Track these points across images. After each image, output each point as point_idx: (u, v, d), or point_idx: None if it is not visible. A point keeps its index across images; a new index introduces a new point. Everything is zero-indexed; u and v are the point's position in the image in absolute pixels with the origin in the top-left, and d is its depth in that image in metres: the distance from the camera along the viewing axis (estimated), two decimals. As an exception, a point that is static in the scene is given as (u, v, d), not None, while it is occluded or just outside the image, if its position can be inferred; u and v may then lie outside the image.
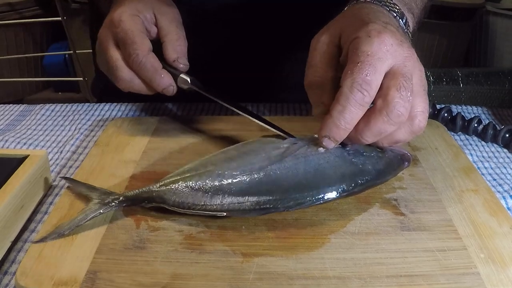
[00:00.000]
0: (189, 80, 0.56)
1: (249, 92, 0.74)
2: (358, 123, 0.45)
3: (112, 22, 0.54)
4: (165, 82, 0.54)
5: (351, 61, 0.44)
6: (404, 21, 0.51)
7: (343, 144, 0.49)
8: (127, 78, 0.54)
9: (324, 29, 0.49)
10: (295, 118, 0.69)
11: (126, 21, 0.53)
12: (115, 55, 0.54)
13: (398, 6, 0.51)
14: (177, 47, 0.56)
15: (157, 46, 0.56)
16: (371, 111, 0.44)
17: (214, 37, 0.75)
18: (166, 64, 0.56)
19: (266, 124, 0.54)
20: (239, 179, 0.46)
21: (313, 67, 0.47)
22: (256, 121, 0.54)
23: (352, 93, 0.43)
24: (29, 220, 0.50)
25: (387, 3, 0.51)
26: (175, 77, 0.55)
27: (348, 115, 0.43)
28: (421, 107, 0.45)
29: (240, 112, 0.55)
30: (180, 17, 0.59)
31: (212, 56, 0.74)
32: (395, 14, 0.51)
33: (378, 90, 0.44)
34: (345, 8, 0.52)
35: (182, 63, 0.56)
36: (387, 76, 0.43)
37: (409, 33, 0.52)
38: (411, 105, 0.44)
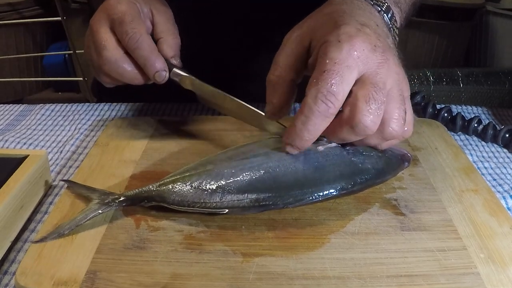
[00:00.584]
0: (186, 74, 0.55)
1: (248, 92, 0.73)
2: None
3: (108, 6, 0.53)
4: (160, 64, 0.53)
5: (318, 69, 0.41)
6: (389, 15, 0.49)
7: (342, 144, 0.49)
8: (113, 59, 0.52)
9: (298, 25, 0.47)
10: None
11: (124, 4, 0.53)
12: (106, 35, 0.52)
13: (384, 0, 0.49)
14: (173, 45, 0.56)
15: None
16: (337, 119, 0.42)
17: (211, 36, 0.75)
18: None
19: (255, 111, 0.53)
20: (238, 176, 0.46)
21: (275, 65, 0.46)
22: (252, 108, 0.54)
23: (316, 104, 0.41)
24: (29, 220, 0.50)
25: None
26: (169, 70, 0.55)
27: (312, 126, 0.42)
28: (396, 114, 0.43)
29: (241, 102, 0.54)
30: (173, 18, 0.59)
31: (210, 56, 0.74)
32: (379, 9, 0.48)
33: (347, 97, 0.42)
34: (325, 3, 0.49)
35: (177, 62, 0.56)
36: (357, 84, 0.41)
37: (395, 28, 0.50)
38: (385, 111, 0.42)
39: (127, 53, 0.53)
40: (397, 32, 0.50)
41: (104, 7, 0.54)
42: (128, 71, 0.53)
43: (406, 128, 0.45)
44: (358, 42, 0.41)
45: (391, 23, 0.49)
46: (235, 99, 0.54)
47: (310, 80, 0.42)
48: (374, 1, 0.48)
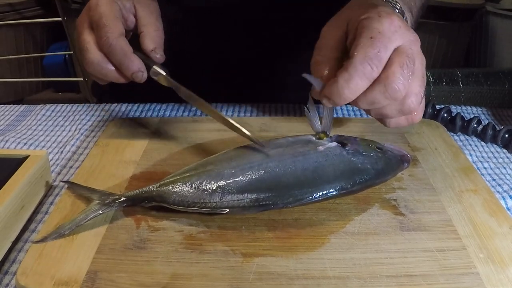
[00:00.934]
0: (163, 72, 0.55)
1: (248, 92, 0.74)
2: None
3: (89, 7, 0.54)
4: (134, 67, 0.53)
5: (363, 35, 0.45)
6: (404, 18, 0.52)
7: (342, 144, 0.50)
8: (95, 61, 0.53)
9: (332, 19, 0.50)
10: (294, 118, 0.69)
11: (103, 5, 0.54)
12: (88, 38, 0.53)
13: (400, 4, 0.52)
14: (155, 37, 0.56)
15: (135, 38, 0.55)
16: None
17: (212, 36, 0.75)
18: (142, 54, 0.55)
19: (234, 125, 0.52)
20: (238, 176, 0.46)
21: (319, 49, 0.49)
22: (230, 121, 0.52)
23: (362, 65, 0.43)
24: (30, 220, 0.50)
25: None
26: (148, 67, 0.54)
27: (354, 85, 0.44)
28: (416, 89, 0.46)
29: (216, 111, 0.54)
30: (159, 11, 0.59)
31: (210, 56, 0.74)
32: (397, 11, 0.51)
33: None
34: (347, 4, 0.52)
35: (159, 54, 0.55)
36: (393, 52, 0.45)
37: None
38: (409, 85, 0.45)
39: None
40: None
41: (86, 8, 0.55)
42: (110, 71, 0.54)
43: (415, 113, 0.48)
44: (396, 19, 0.45)
45: None
46: (207, 104, 0.54)
47: (354, 46, 0.45)
48: (392, 3, 0.52)
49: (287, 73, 0.81)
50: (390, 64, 0.44)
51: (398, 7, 0.52)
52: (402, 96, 0.45)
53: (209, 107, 0.54)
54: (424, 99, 0.48)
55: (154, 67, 0.55)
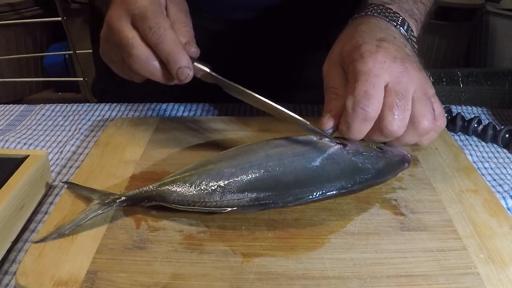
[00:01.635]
0: (207, 69, 0.53)
1: (259, 92, 0.73)
2: None
3: (127, 0, 0.51)
4: (183, 61, 0.50)
5: (351, 82, 0.46)
6: (405, 27, 0.53)
7: (343, 143, 0.49)
8: (143, 56, 0.50)
9: (328, 56, 0.52)
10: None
11: None
12: (131, 33, 0.50)
13: (399, 14, 0.53)
14: (185, 33, 0.54)
15: None
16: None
17: (226, 38, 0.75)
18: None
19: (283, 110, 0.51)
20: (238, 175, 0.46)
21: (329, 89, 0.50)
22: (277, 106, 0.51)
23: (354, 112, 0.45)
24: (29, 220, 0.50)
25: (386, 14, 0.52)
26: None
27: (355, 131, 0.46)
28: (424, 111, 0.46)
29: (262, 99, 0.52)
30: (188, 8, 0.57)
31: (224, 57, 0.74)
32: (395, 24, 0.52)
33: None
34: (347, 25, 0.53)
35: (194, 47, 0.53)
36: (385, 91, 0.46)
37: (413, 37, 0.54)
38: (415, 112, 0.46)
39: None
40: (415, 41, 0.54)
41: (121, 2, 0.52)
42: (158, 69, 0.51)
43: (438, 123, 0.48)
44: (379, 56, 0.46)
45: (408, 34, 0.53)
46: (260, 99, 0.52)
47: (346, 93, 0.47)
48: (389, 17, 0.52)
49: (288, 74, 0.81)
50: (382, 106, 0.45)
51: (395, 18, 0.52)
52: (400, 133, 0.46)
53: (263, 101, 0.52)
54: (440, 107, 0.49)
55: (195, 63, 0.52)
